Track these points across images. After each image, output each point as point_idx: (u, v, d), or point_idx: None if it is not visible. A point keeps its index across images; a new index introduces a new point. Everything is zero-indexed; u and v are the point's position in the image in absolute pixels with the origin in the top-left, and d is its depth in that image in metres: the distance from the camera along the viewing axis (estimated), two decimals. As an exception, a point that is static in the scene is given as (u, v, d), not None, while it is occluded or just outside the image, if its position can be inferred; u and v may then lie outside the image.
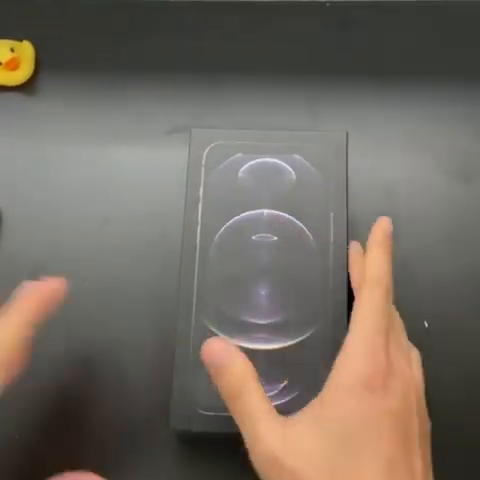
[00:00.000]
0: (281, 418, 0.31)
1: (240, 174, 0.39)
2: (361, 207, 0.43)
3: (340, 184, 0.39)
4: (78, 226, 0.44)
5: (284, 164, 0.40)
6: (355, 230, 0.42)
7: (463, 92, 0.47)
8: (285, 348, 0.36)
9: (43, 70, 0.48)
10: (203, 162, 0.40)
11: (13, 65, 0.47)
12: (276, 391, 0.36)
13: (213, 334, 0.37)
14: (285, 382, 0.36)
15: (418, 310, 0.41)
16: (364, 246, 0.36)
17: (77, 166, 0.46)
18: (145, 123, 0.47)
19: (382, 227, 0.36)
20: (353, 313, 0.33)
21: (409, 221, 0.43)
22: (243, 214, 0.39)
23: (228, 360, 0.32)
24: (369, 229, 0.42)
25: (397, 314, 0.37)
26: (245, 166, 0.40)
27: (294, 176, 0.39)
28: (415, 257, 0.43)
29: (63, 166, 0.46)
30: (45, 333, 0.40)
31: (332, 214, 0.39)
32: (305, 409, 0.31)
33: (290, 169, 0.40)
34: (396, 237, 0.42)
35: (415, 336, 0.37)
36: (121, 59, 0.49)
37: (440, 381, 0.37)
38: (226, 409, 0.35)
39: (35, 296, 0.34)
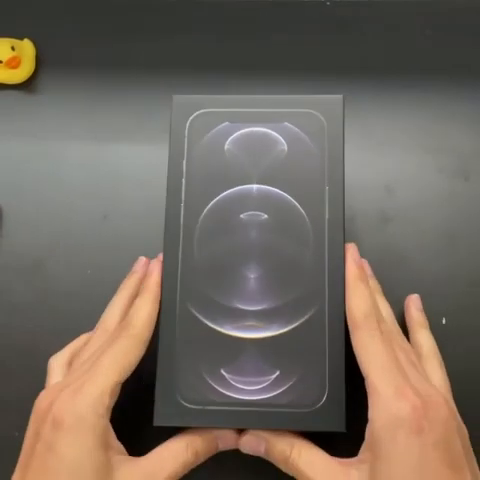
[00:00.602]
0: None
1: (227, 146, 0.36)
2: (361, 206, 0.43)
3: (336, 155, 0.36)
4: (78, 223, 0.44)
5: (274, 133, 0.36)
6: (355, 229, 0.43)
7: (463, 92, 0.46)
8: (277, 336, 0.34)
9: (44, 68, 0.48)
10: (186, 133, 0.36)
11: (14, 63, 0.47)
12: (268, 383, 0.33)
13: (199, 322, 0.34)
14: (277, 373, 0.33)
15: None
16: (362, 250, 0.36)
17: (77, 164, 0.46)
18: (145, 121, 0.46)
19: (354, 259, 0.35)
20: (358, 356, 0.32)
21: (409, 219, 0.43)
22: (230, 190, 0.35)
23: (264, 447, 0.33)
24: (369, 229, 0.43)
25: (387, 314, 0.37)
26: (232, 137, 0.36)
27: (285, 147, 0.36)
28: (414, 255, 0.43)
29: (63, 164, 0.46)
30: (44, 324, 0.42)
31: (327, 188, 0.35)
32: (357, 461, 0.31)
33: (281, 139, 0.36)
34: (396, 235, 0.43)
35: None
36: (122, 57, 0.49)
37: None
38: (214, 402, 0.33)
39: (157, 274, 0.35)
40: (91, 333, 0.38)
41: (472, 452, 0.32)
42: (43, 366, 0.37)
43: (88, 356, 0.35)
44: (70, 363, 0.37)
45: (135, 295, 0.37)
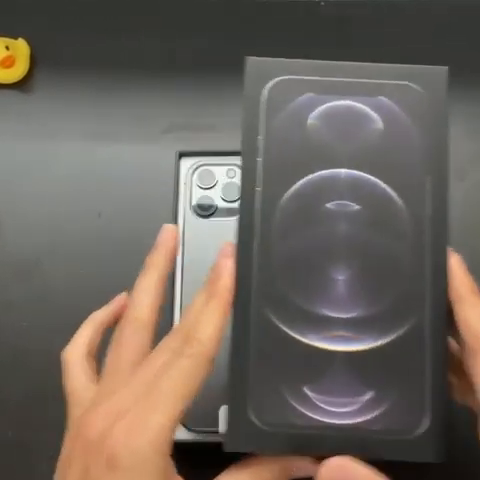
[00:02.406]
0: None
1: (310, 121, 0.30)
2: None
3: (440, 138, 0.30)
4: (74, 222, 0.45)
5: (367, 109, 0.31)
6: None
7: (459, 93, 0.42)
8: (371, 349, 0.29)
9: (38, 68, 0.49)
10: (261, 105, 0.31)
11: (8, 63, 0.48)
12: (359, 405, 0.28)
13: (278, 330, 0.29)
14: (371, 393, 0.28)
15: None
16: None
17: (72, 162, 0.46)
18: (141, 121, 0.47)
19: (463, 269, 0.30)
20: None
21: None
22: (314, 174, 0.30)
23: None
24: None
25: None
26: (317, 110, 0.30)
27: (380, 125, 0.30)
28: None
29: (59, 163, 0.46)
30: (41, 322, 0.43)
31: (429, 178, 0.30)
32: None
33: (375, 115, 0.31)
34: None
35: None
36: (117, 57, 0.49)
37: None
38: (296, 426, 0.28)
39: (228, 275, 0.30)
40: (104, 310, 0.34)
41: None
42: (39, 364, 0.38)
43: (141, 371, 0.28)
44: (91, 354, 0.32)
45: (166, 275, 0.32)
